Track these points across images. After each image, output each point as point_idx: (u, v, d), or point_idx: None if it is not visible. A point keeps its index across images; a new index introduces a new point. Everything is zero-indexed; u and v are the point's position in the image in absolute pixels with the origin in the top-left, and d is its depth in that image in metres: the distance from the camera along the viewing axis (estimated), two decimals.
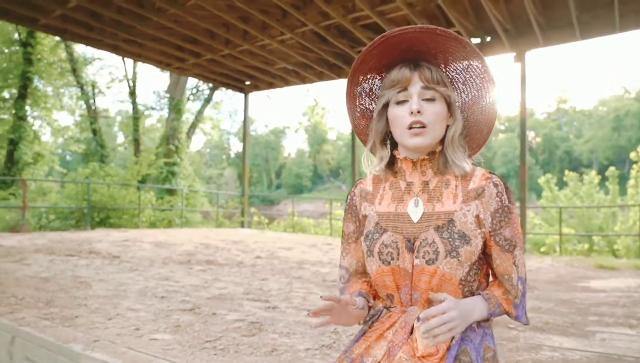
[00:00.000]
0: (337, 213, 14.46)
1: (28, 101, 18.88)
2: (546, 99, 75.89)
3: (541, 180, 14.57)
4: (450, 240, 1.04)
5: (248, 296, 3.22)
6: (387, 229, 1.12)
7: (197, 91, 21.76)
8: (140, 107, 21.39)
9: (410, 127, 1.05)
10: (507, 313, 1.10)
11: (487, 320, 1.08)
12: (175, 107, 17.44)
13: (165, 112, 21.67)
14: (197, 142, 63.68)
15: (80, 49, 21.40)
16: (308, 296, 3.24)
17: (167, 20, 8.56)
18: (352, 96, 1.21)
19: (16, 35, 19.14)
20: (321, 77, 11.69)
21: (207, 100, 21.68)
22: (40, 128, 21.92)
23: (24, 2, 7.80)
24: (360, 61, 1.13)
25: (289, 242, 8.58)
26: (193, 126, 21.12)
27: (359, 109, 1.23)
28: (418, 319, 1.08)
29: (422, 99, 1.07)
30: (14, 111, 18.59)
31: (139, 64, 21.79)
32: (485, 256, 1.10)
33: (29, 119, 19.23)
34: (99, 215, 10.37)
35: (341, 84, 11.62)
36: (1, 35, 21.25)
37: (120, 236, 8.45)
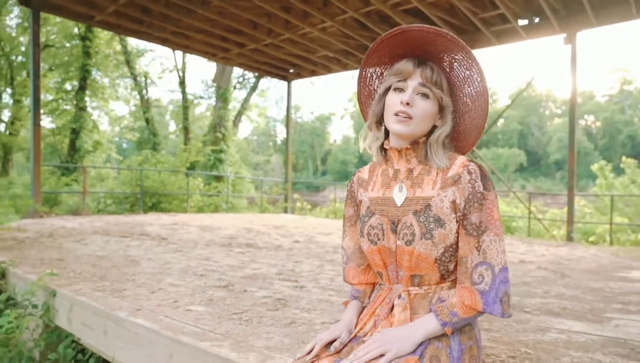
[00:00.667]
0: None
1: (87, 92, 20.04)
2: (608, 81, 71.19)
3: (594, 167, 13.89)
4: (425, 223, 1.15)
5: (279, 276, 3.42)
6: (375, 212, 1.25)
7: (244, 79, 22.26)
8: (189, 97, 22.17)
9: (397, 114, 1.17)
10: (472, 312, 1.12)
11: (450, 332, 1.12)
12: (222, 96, 17.98)
13: (213, 101, 22.36)
14: (244, 129, 64.97)
15: (133, 41, 22.35)
16: (335, 278, 3.40)
17: (211, 13, 8.85)
18: (363, 77, 1.34)
19: (76, 30, 20.26)
20: None
21: (253, 88, 22.13)
22: (98, 118, 23.26)
23: (81, 0, 8.34)
24: (376, 46, 1.25)
25: (329, 228, 8.77)
26: (239, 114, 21.66)
27: (367, 90, 1.36)
28: (399, 296, 1.22)
29: (418, 94, 1.18)
30: (75, 102, 19.83)
31: (188, 54, 22.49)
32: None
33: (89, 109, 20.43)
34: (150, 200, 11.01)
35: None
36: (62, 31, 22.60)
37: (169, 219, 8.96)
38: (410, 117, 1.16)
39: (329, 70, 12.37)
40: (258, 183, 19.07)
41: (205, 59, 12.19)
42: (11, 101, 29.77)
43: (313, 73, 12.91)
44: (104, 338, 2.28)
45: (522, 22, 8.61)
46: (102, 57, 20.72)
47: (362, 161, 61.25)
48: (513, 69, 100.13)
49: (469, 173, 1.15)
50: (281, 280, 3.28)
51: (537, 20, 8.60)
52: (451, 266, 1.19)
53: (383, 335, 1.11)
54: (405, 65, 1.19)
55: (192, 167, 16.29)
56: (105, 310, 2.28)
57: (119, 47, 20.87)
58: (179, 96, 24.69)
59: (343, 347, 1.19)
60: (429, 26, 1.16)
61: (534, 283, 3.41)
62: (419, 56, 1.22)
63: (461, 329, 1.17)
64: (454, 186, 1.15)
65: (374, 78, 1.34)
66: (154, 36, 10.24)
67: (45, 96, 25.35)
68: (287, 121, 13.83)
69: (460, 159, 1.18)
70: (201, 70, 77.18)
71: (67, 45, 23.09)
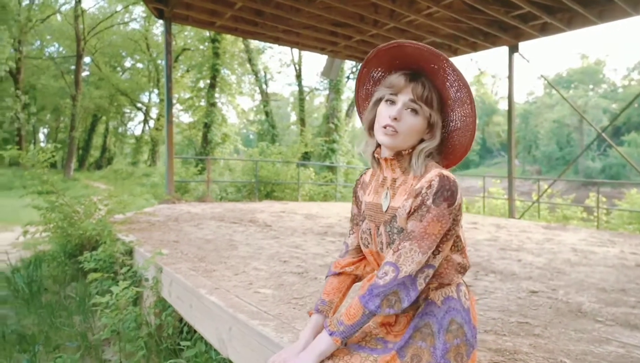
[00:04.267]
0: (492, 191, 13.67)
1: (217, 89, 22.13)
2: None
3: None
4: (390, 233, 1.23)
5: None
6: (365, 217, 1.35)
7: (357, 70, 22.51)
8: (305, 89, 23.13)
9: (385, 127, 1.24)
10: (357, 317, 1.14)
11: (339, 342, 1.17)
12: (335, 88, 18.49)
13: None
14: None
15: (254, 40, 23.98)
16: None
17: (318, 9, 9.19)
18: (361, 79, 1.39)
19: (207, 34, 22.42)
20: (474, 47, 11.12)
21: None
22: (226, 112, 25.52)
23: (202, 9, 9.31)
24: (373, 56, 1.31)
25: None
26: (352, 105, 22.01)
27: (364, 92, 1.42)
28: None
29: (407, 109, 1.23)
30: (207, 99, 22.05)
31: None
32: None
33: (218, 104, 22.57)
34: (265, 188, 11.90)
35: (502, 52, 10.83)
36: (197, 35, 25.16)
37: (280, 207, 9.63)
38: (396, 132, 1.22)
39: None
40: None
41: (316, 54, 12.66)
42: (157, 100, 34.13)
43: None
44: (190, 310, 2.69)
45: None
46: (229, 56, 22.67)
47: (485, 148, 57.63)
48: None
49: (429, 186, 1.16)
50: None
51: None
52: (430, 271, 1.23)
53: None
54: (398, 79, 1.24)
55: (306, 157, 17.13)
56: (192, 287, 2.68)
57: (242, 47, 22.58)
58: (297, 89, 25.93)
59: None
60: (423, 45, 1.19)
61: (634, 290, 3.07)
62: (415, 70, 1.27)
63: (447, 327, 1.21)
64: (416, 197, 1.19)
65: (370, 83, 1.39)
66: (267, 36, 10.97)
67: (184, 94, 28.57)
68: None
69: (434, 172, 1.19)
70: (318, 63, 79.45)
71: (201, 47, 25.69)
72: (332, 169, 17.16)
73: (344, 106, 20.26)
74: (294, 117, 43.56)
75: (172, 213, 7.62)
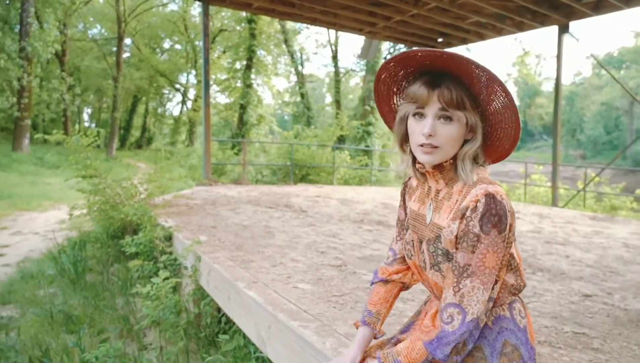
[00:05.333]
0: (534, 178, 13.14)
1: (253, 70, 22.15)
2: None
3: None
4: (434, 254, 1.13)
5: None
6: (409, 226, 1.26)
7: (394, 50, 21.98)
8: (341, 70, 22.83)
9: (422, 145, 1.12)
10: (419, 359, 1.07)
11: None
12: (372, 69, 18.14)
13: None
14: None
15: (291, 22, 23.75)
16: None
17: None
18: (378, 82, 1.25)
19: (243, 14, 22.35)
20: (521, 27, 10.56)
21: None
22: (262, 93, 25.59)
23: None
24: (384, 68, 1.19)
25: None
26: None
27: (386, 107, 1.29)
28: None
29: (439, 119, 1.11)
30: (243, 80, 22.14)
31: None
32: None
33: (254, 85, 22.62)
34: (300, 172, 11.89)
35: (552, 32, 10.26)
36: (234, 15, 25.18)
37: (315, 191, 9.60)
38: (435, 147, 1.11)
39: (481, 37, 11.48)
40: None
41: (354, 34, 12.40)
42: (195, 81, 34.60)
43: (464, 41, 12.12)
44: (228, 302, 2.68)
45: None
46: (265, 37, 22.59)
47: (527, 131, 55.63)
48: None
49: (474, 209, 1.05)
50: None
51: None
52: (490, 304, 1.14)
53: None
54: (420, 90, 1.11)
55: (342, 140, 16.98)
56: (230, 279, 2.67)
57: (278, 28, 22.42)
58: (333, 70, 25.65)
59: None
60: (431, 50, 1.06)
61: None
62: (436, 73, 1.13)
63: (501, 350, 1.12)
64: (461, 219, 1.08)
65: (394, 86, 1.24)
66: (305, 17, 10.78)
67: (221, 75, 28.80)
68: None
69: (478, 190, 1.07)
70: (355, 43, 78.27)
71: (238, 28, 25.71)
72: (367, 152, 16.96)
73: None
74: (329, 98, 43.25)
75: (209, 196, 7.71)
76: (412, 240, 1.24)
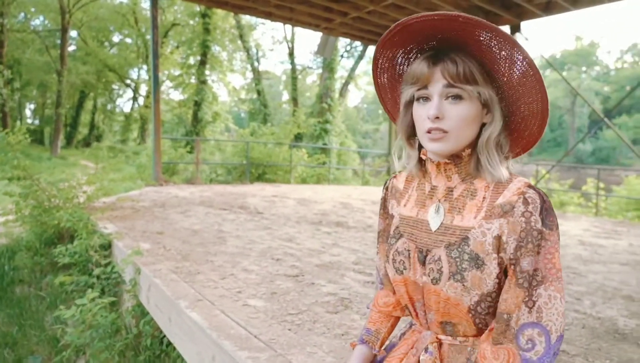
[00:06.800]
0: None
1: (207, 66, 21.47)
2: None
3: None
4: (458, 259, 0.89)
5: (355, 266, 3.26)
6: (403, 234, 1.01)
7: (351, 48, 21.95)
8: (298, 67, 22.55)
9: (429, 132, 0.90)
10: None
11: None
12: (329, 67, 17.96)
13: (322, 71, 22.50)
14: (354, 98, 64.96)
15: (246, 16, 23.23)
16: None
17: None
18: (376, 68, 1.05)
19: (197, 8, 21.62)
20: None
21: (361, 56, 21.74)
22: (217, 90, 24.88)
23: None
24: (380, 46, 0.98)
25: None
26: (346, 83, 21.52)
27: (390, 99, 1.10)
28: (426, 350, 0.98)
29: (447, 98, 0.90)
30: (197, 76, 21.43)
31: None
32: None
33: (209, 82, 21.93)
34: (256, 170, 11.52)
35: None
36: (187, 9, 24.34)
37: (271, 191, 9.28)
38: (445, 132, 0.89)
39: None
40: (364, 154, 18.92)
41: (310, 30, 12.15)
42: (147, 77, 33.25)
43: None
44: (169, 325, 2.36)
45: None
46: (219, 32, 21.94)
47: None
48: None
49: (526, 202, 0.86)
50: (355, 272, 3.12)
51: None
52: (490, 320, 0.91)
53: None
54: (419, 67, 0.90)
55: (299, 138, 16.69)
56: (171, 297, 2.35)
57: (233, 22, 21.85)
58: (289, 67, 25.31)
59: None
60: (431, 13, 0.84)
61: None
62: (437, 47, 0.92)
63: None
64: (503, 218, 0.87)
65: (395, 65, 1.04)
66: (259, 11, 10.41)
67: (174, 71, 27.80)
68: None
69: (517, 183, 0.89)
70: (311, 40, 78.22)
71: (191, 22, 24.87)
72: (325, 150, 16.78)
73: (338, 85, 19.74)
74: (286, 96, 42.85)
75: (158, 197, 7.25)
76: (408, 250, 0.98)
